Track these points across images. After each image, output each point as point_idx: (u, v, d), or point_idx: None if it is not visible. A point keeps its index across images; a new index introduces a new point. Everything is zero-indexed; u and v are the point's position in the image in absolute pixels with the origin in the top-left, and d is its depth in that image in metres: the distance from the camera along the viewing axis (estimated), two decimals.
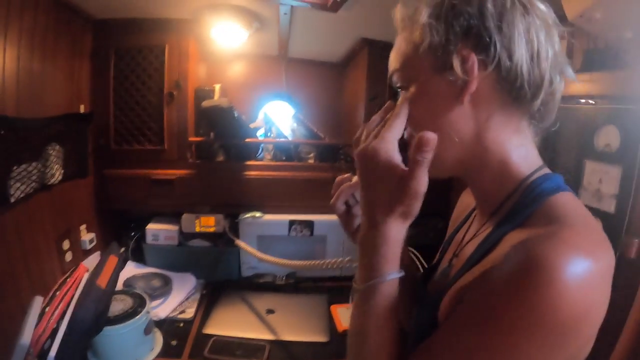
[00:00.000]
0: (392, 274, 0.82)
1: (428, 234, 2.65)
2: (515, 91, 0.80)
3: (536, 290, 0.62)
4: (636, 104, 1.51)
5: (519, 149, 0.86)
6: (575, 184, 1.76)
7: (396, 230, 0.82)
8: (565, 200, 0.79)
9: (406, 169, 0.80)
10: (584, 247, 0.66)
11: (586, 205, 1.39)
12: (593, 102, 1.73)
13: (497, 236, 0.81)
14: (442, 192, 2.37)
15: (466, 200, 1.19)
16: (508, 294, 0.66)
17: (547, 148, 1.92)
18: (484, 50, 0.77)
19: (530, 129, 0.88)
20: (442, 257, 1.14)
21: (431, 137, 0.79)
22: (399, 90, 0.91)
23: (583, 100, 1.77)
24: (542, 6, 0.81)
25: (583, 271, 0.63)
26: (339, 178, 1.06)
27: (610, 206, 1.59)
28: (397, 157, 0.81)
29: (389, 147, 0.81)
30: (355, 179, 1.00)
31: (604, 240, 0.72)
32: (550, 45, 0.80)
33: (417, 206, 0.81)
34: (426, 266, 1.17)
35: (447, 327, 0.77)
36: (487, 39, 0.77)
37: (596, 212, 1.64)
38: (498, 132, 0.84)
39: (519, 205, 0.82)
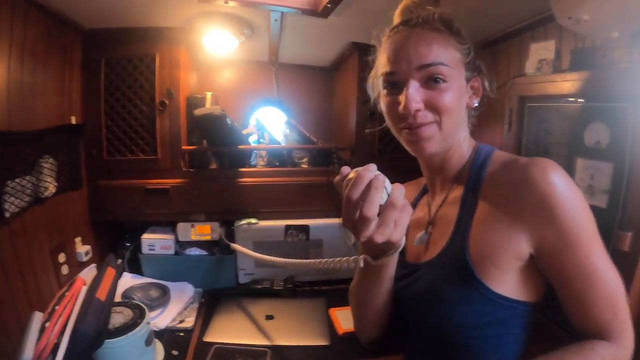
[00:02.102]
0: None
1: None
2: (481, 103, 1.30)
3: (558, 177, 1.06)
4: (624, 101, 1.55)
5: (467, 133, 1.34)
6: None
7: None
8: (502, 152, 1.30)
9: None
10: (541, 158, 1.11)
11: None
12: (582, 101, 1.77)
13: (473, 185, 1.24)
14: None
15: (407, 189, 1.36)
16: (556, 197, 1.04)
17: (539, 146, 1.96)
18: (482, 76, 1.29)
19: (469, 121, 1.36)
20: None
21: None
22: (438, 79, 1.15)
23: (572, 99, 1.81)
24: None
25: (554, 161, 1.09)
26: (336, 180, 1.07)
27: (602, 201, 1.63)
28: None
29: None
30: (352, 174, 0.98)
31: None
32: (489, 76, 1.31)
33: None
34: None
35: (574, 255, 1.06)
36: (484, 71, 1.29)
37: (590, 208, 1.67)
38: (466, 123, 1.33)
39: (475, 165, 1.27)
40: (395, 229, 0.98)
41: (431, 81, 1.14)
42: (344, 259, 1.56)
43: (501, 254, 1.09)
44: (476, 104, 1.28)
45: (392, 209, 0.95)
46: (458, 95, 1.19)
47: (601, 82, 1.68)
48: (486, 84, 1.28)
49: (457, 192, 1.29)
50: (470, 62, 1.23)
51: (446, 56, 1.16)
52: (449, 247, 1.22)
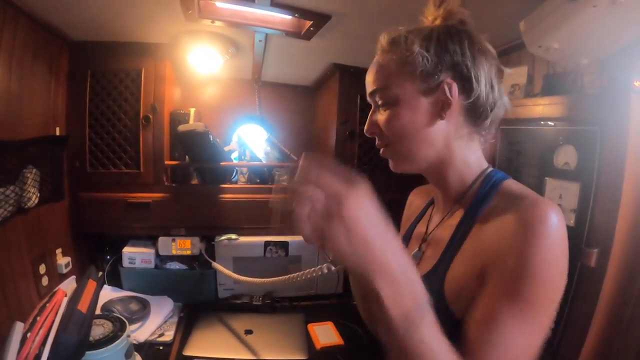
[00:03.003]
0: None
1: None
2: (477, 112, 1.09)
3: (542, 237, 0.88)
4: (592, 125, 1.61)
5: (475, 153, 1.16)
6: None
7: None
8: (515, 184, 1.09)
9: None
10: (550, 206, 0.91)
11: None
12: (552, 124, 1.82)
13: (472, 215, 1.08)
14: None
15: (416, 202, 1.49)
16: (524, 250, 0.88)
17: (511, 167, 2.01)
18: (462, 80, 1.06)
19: (479, 139, 1.16)
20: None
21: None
22: (381, 107, 1.12)
23: (543, 122, 1.86)
24: (493, 51, 1.10)
25: (558, 219, 0.89)
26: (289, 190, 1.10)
27: (570, 220, 1.69)
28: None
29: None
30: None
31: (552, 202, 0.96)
32: (497, 81, 1.10)
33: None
34: None
35: (493, 298, 0.92)
36: (466, 74, 1.05)
37: None
38: (462, 140, 1.12)
39: (482, 192, 1.10)
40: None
41: (379, 107, 1.14)
42: (310, 270, 1.61)
43: (468, 293, 0.99)
44: (442, 116, 1.05)
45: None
46: (409, 115, 1.07)
47: (571, 107, 1.75)
48: (475, 85, 1.05)
49: (457, 215, 1.15)
50: (428, 71, 1.04)
51: (388, 79, 1.10)
52: (433, 272, 1.13)
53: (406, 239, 1.37)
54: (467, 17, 1.11)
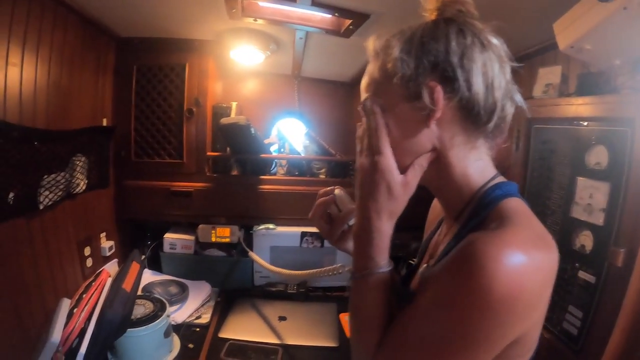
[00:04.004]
0: (383, 267, 0.97)
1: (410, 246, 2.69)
2: (473, 116, 0.94)
3: (473, 277, 0.75)
4: (624, 125, 1.56)
5: (477, 163, 0.99)
6: (568, 199, 1.83)
7: (387, 226, 0.97)
8: (512, 205, 0.92)
9: (401, 176, 0.95)
10: (519, 244, 0.78)
11: (577, 219, 1.53)
12: (585, 124, 1.79)
13: (457, 238, 0.95)
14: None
15: (438, 207, 1.30)
16: (453, 282, 0.80)
17: (544, 165, 2.01)
18: (448, 82, 0.91)
19: (485, 145, 1.00)
20: (420, 260, 1.27)
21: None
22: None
23: (576, 122, 1.83)
24: (496, 41, 0.95)
25: (513, 262, 0.75)
26: (322, 191, 1.21)
27: (599, 219, 1.65)
28: (395, 168, 0.95)
29: (390, 161, 0.95)
30: (337, 191, 1.17)
31: (542, 240, 0.84)
32: (502, 76, 0.94)
33: (402, 207, 0.97)
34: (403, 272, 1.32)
35: (411, 308, 0.90)
36: (451, 73, 0.91)
37: (587, 225, 1.71)
38: (459, 149, 0.97)
39: (475, 210, 0.96)
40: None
41: None
42: (329, 267, 1.68)
43: None
44: (428, 124, 0.93)
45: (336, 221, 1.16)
46: (394, 125, 0.97)
47: (604, 107, 1.72)
48: (462, 85, 0.91)
49: (452, 233, 1.05)
50: (408, 77, 0.93)
51: (372, 86, 1.02)
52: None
53: (424, 248, 1.29)
54: (466, 6, 0.97)
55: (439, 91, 0.91)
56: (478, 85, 0.91)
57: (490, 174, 1.01)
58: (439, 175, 1.01)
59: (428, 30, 0.95)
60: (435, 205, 1.39)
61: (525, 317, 0.81)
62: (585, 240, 1.73)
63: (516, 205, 0.93)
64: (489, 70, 0.92)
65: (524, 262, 0.77)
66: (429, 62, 0.92)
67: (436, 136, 0.96)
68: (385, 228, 0.96)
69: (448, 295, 0.82)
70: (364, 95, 1.05)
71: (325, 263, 2.88)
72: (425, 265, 1.14)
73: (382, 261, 0.97)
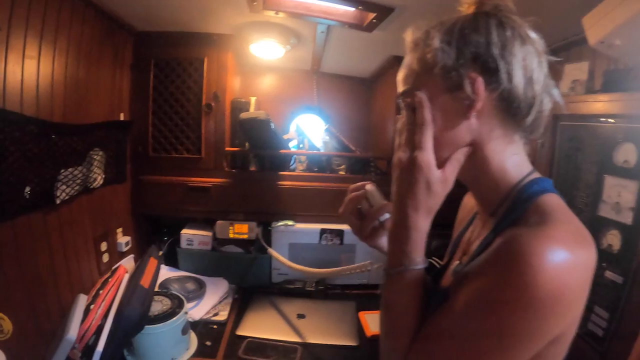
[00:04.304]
0: (419, 264, 0.96)
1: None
2: (512, 109, 0.93)
3: (518, 275, 0.74)
4: None
5: (513, 157, 0.98)
6: (595, 198, 1.82)
7: (424, 222, 0.95)
8: (550, 200, 0.91)
9: (440, 171, 0.94)
10: (562, 240, 0.77)
11: (605, 218, 1.50)
12: (612, 121, 1.78)
13: (494, 234, 0.93)
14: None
15: (470, 203, 1.33)
16: (496, 279, 0.79)
17: (570, 163, 1.98)
18: (489, 74, 0.90)
19: (521, 140, 0.99)
20: (451, 256, 1.25)
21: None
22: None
23: (603, 119, 1.82)
24: (535, 36, 0.94)
25: (558, 260, 0.74)
26: (352, 186, 1.20)
27: (628, 218, 1.65)
28: (434, 164, 0.93)
29: (430, 157, 0.93)
30: (368, 186, 1.16)
31: (582, 236, 0.83)
32: (540, 70, 0.93)
33: (440, 203, 0.95)
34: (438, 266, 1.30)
35: (450, 305, 0.89)
36: (493, 65, 0.90)
37: (615, 224, 1.71)
38: (497, 142, 0.96)
39: (512, 206, 0.94)
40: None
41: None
42: (357, 265, 1.65)
43: None
44: (468, 116, 0.93)
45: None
46: (436, 117, 0.95)
47: (631, 104, 1.70)
48: (503, 77, 0.90)
49: (488, 228, 1.02)
50: (449, 67, 0.92)
51: (413, 80, 0.98)
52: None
53: (455, 245, 1.28)
54: (504, 0, 0.96)
55: (481, 82, 0.90)
56: (518, 78, 0.90)
57: (527, 169, 1.00)
58: (476, 169, 0.99)
59: (468, 22, 0.94)
60: (466, 203, 1.38)
61: (567, 314, 0.80)
62: (612, 240, 1.72)
63: (555, 201, 0.92)
64: (529, 64, 0.91)
65: (568, 259, 0.76)
66: (470, 53, 0.91)
67: (475, 129, 0.95)
68: (422, 224, 0.95)
69: (490, 292, 0.80)
70: (401, 87, 1.03)
71: (343, 260, 2.87)
72: (457, 262, 1.13)
73: (418, 258, 0.96)
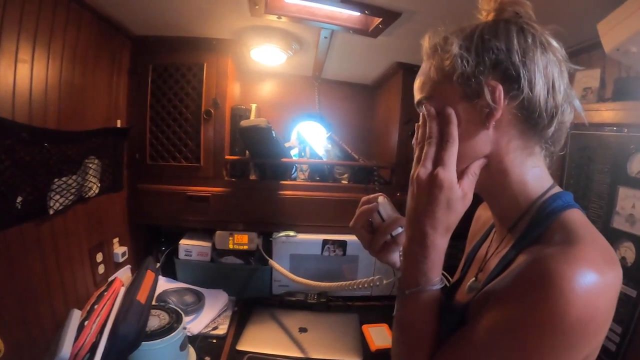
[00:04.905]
0: (436, 284, 0.93)
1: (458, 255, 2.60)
2: (533, 119, 0.90)
3: (548, 300, 0.71)
4: None
5: (534, 170, 0.95)
6: (608, 209, 1.80)
7: (443, 241, 0.92)
8: (574, 217, 0.87)
9: (460, 190, 0.90)
10: (592, 262, 0.74)
11: (619, 230, 1.47)
12: (625, 130, 1.75)
13: (516, 251, 0.91)
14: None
15: (483, 216, 1.32)
16: (524, 304, 0.76)
17: (581, 174, 1.95)
18: (510, 81, 0.88)
19: (542, 152, 0.97)
20: (465, 272, 1.23)
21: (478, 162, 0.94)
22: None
23: (615, 128, 1.80)
24: (556, 44, 0.91)
25: (589, 283, 0.71)
26: (364, 198, 1.16)
27: None
28: (456, 182, 0.90)
29: (453, 176, 0.90)
30: (381, 199, 1.12)
31: (610, 256, 0.79)
32: (562, 79, 0.90)
33: (458, 220, 0.92)
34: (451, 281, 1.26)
35: (473, 329, 0.85)
36: (513, 73, 0.87)
37: (629, 236, 1.69)
38: (516, 154, 0.93)
39: (534, 222, 0.92)
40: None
41: None
42: (367, 279, 1.61)
43: None
44: (487, 125, 0.90)
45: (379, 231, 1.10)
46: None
47: None
48: (525, 85, 0.87)
49: (507, 244, 1.00)
50: (468, 74, 0.90)
51: (430, 87, 0.97)
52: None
53: (469, 260, 1.26)
54: (524, 7, 0.94)
55: (501, 90, 0.88)
56: (540, 87, 0.88)
57: (547, 183, 0.98)
58: (494, 182, 0.97)
59: (488, 29, 0.92)
60: (480, 216, 1.36)
61: (596, 337, 0.78)
62: (626, 252, 1.70)
63: (578, 217, 0.89)
64: (550, 72, 0.89)
65: (598, 282, 0.73)
66: (490, 60, 0.89)
67: (493, 140, 0.92)
68: (440, 243, 0.92)
69: (518, 318, 0.77)
70: (418, 96, 1.01)
71: (346, 272, 2.85)
72: (473, 279, 1.12)
73: (436, 278, 0.94)
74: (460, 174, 0.92)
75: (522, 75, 0.87)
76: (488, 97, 0.87)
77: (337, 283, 2.16)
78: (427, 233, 0.91)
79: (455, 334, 0.89)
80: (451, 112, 0.91)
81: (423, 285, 0.92)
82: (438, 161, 0.90)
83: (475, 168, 0.93)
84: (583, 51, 2.10)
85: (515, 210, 0.97)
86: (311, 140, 3.25)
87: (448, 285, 1.22)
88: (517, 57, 0.87)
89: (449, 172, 0.89)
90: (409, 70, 2.72)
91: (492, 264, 1.03)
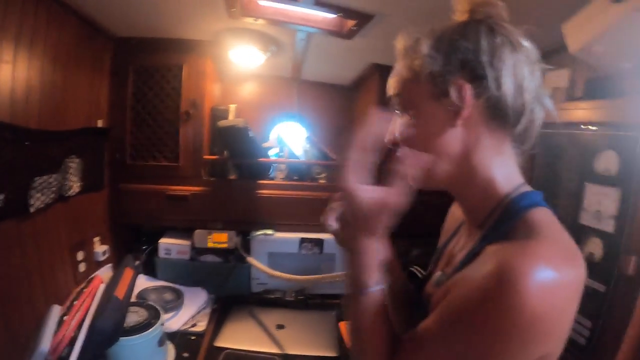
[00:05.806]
0: (372, 287, 0.94)
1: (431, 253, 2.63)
2: (500, 118, 0.92)
3: (503, 294, 0.73)
4: (634, 130, 1.56)
5: (502, 168, 0.97)
6: (576, 205, 1.83)
7: (368, 245, 0.93)
8: (540, 216, 0.88)
9: (370, 194, 0.90)
10: (549, 259, 0.76)
11: (586, 226, 1.51)
12: (594, 128, 1.78)
13: (480, 247, 0.91)
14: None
15: (457, 213, 1.30)
16: (480, 297, 0.78)
17: (550, 172, 1.98)
18: (477, 81, 0.90)
19: (512, 150, 0.98)
20: (435, 266, 1.25)
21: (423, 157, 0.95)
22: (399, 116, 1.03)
23: (584, 127, 1.83)
24: (527, 44, 0.93)
25: (546, 280, 0.73)
26: (336, 195, 1.17)
27: (609, 226, 1.65)
28: (358, 189, 0.90)
29: (354, 185, 0.90)
30: None
31: (571, 254, 0.81)
32: (532, 79, 0.92)
33: (383, 223, 0.92)
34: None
35: (431, 321, 0.88)
36: (481, 72, 0.89)
37: (596, 232, 1.71)
38: (484, 152, 0.95)
39: (501, 219, 0.93)
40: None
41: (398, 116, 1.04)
42: (339, 273, 1.63)
43: None
44: (454, 124, 0.92)
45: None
46: (420, 124, 0.97)
47: (612, 111, 1.70)
48: (491, 84, 0.90)
49: (474, 240, 1.01)
50: (435, 73, 0.93)
51: (399, 84, 1.01)
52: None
53: (439, 254, 1.27)
54: (496, 8, 0.96)
55: (468, 89, 0.90)
56: (507, 85, 0.90)
57: (517, 181, 0.98)
58: (462, 179, 0.99)
59: (458, 29, 0.94)
60: (454, 212, 1.36)
61: (552, 334, 0.78)
62: (594, 248, 1.72)
63: (544, 216, 0.89)
64: (519, 71, 0.91)
65: (554, 278, 0.74)
66: (457, 60, 0.91)
67: (461, 137, 0.95)
68: (367, 247, 0.94)
69: (474, 313, 0.79)
70: (389, 92, 1.04)
71: (323, 269, 2.85)
72: (439, 272, 1.14)
73: (371, 280, 0.95)
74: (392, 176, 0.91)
75: (489, 74, 0.89)
76: (455, 96, 0.90)
77: (311, 276, 2.20)
78: (349, 239, 0.96)
79: (417, 327, 0.91)
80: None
81: (360, 289, 0.94)
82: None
83: (407, 169, 0.91)
84: (553, 53, 2.14)
85: (483, 208, 0.99)
86: (290, 140, 3.28)
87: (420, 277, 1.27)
88: (484, 57, 0.89)
89: (346, 182, 0.90)
90: (386, 71, 2.71)
91: (459, 258, 1.05)
